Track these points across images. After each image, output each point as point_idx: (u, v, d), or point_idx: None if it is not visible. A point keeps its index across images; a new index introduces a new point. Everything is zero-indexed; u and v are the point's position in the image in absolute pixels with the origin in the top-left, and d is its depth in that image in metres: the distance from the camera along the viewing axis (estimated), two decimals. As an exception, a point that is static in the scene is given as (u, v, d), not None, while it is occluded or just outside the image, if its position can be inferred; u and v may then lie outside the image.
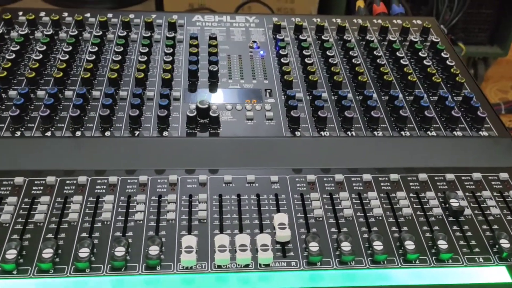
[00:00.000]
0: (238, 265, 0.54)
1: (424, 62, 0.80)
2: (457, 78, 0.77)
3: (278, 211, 0.60)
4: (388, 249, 0.56)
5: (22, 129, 0.65)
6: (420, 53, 0.82)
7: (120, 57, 0.76)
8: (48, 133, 0.65)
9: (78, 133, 0.65)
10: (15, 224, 0.56)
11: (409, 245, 0.56)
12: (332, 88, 0.76)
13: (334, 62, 0.79)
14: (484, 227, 0.60)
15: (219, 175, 0.64)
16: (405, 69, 0.78)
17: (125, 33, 0.82)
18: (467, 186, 0.65)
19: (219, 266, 0.54)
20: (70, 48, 0.77)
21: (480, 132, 0.70)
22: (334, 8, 1.73)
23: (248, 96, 0.74)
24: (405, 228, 0.59)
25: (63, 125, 0.66)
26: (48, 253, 0.52)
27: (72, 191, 0.60)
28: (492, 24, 1.73)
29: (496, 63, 1.79)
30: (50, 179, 0.61)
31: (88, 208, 0.59)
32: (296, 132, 0.68)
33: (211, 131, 0.67)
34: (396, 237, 0.58)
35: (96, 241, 0.55)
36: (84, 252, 0.53)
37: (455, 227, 0.60)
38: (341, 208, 0.61)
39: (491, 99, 1.45)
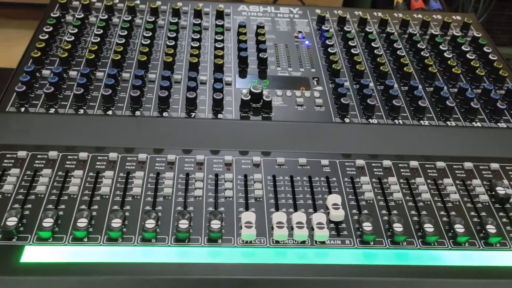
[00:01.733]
0: (295, 241, 0.57)
1: (467, 55, 0.82)
2: (500, 72, 0.79)
3: (330, 192, 0.63)
4: (438, 231, 0.58)
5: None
6: (462, 47, 0.84)
7: (173, 43, 0.79)
8: (109, 113, 0.67)
9: (138, 113, 0.68)
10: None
11: (459, 228, 0.58)
12: (378, 78, 0.78)
13: (379, 53, 0.81)
14: (530, 214, 0.62)
15: (272, 157, 0.66)
16: (448, 62, 0.80)
17: (176, 20, 0.85)
18: (511, 175, 0.67)
19: (277, 242, 0.56)
20: (126, 32, 0.80)
21: (524, 124, 0.72)
22: (359, 2, 1.75)
23: (297, 83, 0.76)
24: (453, 213, 0.61)
25: (95, 103, 0.69)
26: (117, 222, 0.55)
27: (134, 167, 0.63)
28: (515, 26, 1.74)
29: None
30: (113, 155, 0.64)
31: (150, 183, 0.61)
32: (345, 119, 0.70)
33: (263, 115, 0.70)
34: (445, 221, 0.60)
35: (160, 214, 0.58)
36: (150, 223, 0.55)
37: (501, 214, 0.62)
38: (390, 192, 0.63)
39: None
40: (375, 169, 0.66)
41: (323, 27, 0.88)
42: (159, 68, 0.76)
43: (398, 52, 0.82)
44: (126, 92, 0.71)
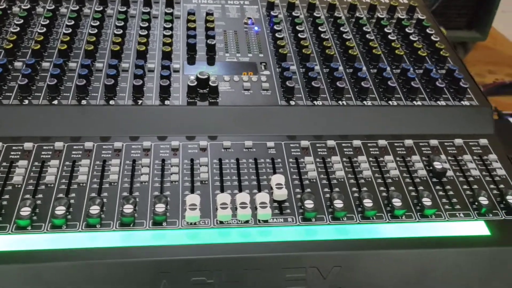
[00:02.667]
0: (239, 221, 0.58)
1: (410, 37, 0.84)
2: (441, 52, 0.82)
3: (274, 173, 0.64)
4: (377, 206, 0.61)
5: (30, 98, 0.68)
6: (406, 29, 0.86)
7: (121, 32, 0.79)
8: (55, 102, 0.68)
9: (84, 102, 0.68)
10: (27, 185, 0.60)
11: (396, 202, 0.61)
12: (324, 61, 0.80)
13: (326, 37, 0.83)
14: (465, 187, 0.65)
15: (219, 141, 0.68)
16: (392, 44, 0.82)
17: (124, 9, 0.85)
18: (449, 151, 0.70)
19: (221, 222, 0.58)
20: (73, 22, 0.80)
21: (462, 102, 0.75)
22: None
23: (244, 68, 0.77)
24: (392, 188, 0.64)
25: (69, 94, 0.69)
26: (61, 209, 0.56)
27: (80, 155, 0.64)
28: (471, 9, 1.78)
29: (474, 48, 1.84)
30: (59, 144, 0.64)
31: (96, 171, 0.62)
32: (290, 101, 0.72)
33: (210, 100, 0.71)
34: (384, 196, 0.63)
35: (105, 200, 0.59)
36: (94, 209, 0.56)
37: (438, 187, 0.64)
38: (333, 171, 0.65)
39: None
40: (319, 150, 0.68)
41: (271, 12, 0.89)
42: (107, 57, 0.76)
43: (344, 35, 0.83)
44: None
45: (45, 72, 0.72)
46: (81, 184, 0.60)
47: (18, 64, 0.72)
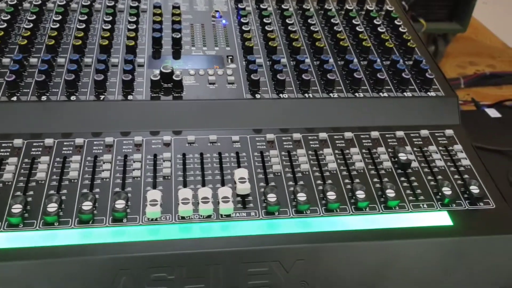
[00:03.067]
0: (201, 216, 0.58)
1: (378, 29, 0.84)
2: (408, 44, 0.81)
3: (239, 167, 0.64)
4: (341, 198, 0.60)
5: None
6: (374, 21, 0.86)
7: (84, 26, 0.78)
8: (14, 98, 0.66)
9: (44, 98, 0.67)
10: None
11: (360, 194, 0.61)
12: (291, 54, 0.79)
13: (293, 30, 0.82)
14: (429, 177, 0.65)
15: (183, 136, 0.67)
16: (360, 36, 0.82)
17: (89, 3, 0.84)
18: (415, 142, 0.70)
19: (183, 217, 0.57)
20: (34, 17, 0.78)
21: (429, 93, 0.75)
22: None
23: (210, 62, 0.76)
24: (356, 180, 0.64)
25: (28, 90, 0.68)
26: (17, 208, 0.55)
27: (40, 152, 0.62)
28: (451, 0, 1.79)
29: (455, 40, 1.85)
30: (17, 141, 0.63)
31: (55, 168, 0.61)
32: (256, 95, 0.71)
33: (174, 95, 0.70)
34: (348, 188, 0.62)
35: (64, 197, 0.58)
36: (52, 207, 0.55)
37: (403, 178, 0.64)
38: (298, 164, 0.65)
39: (450, 75, 1.51)
40: (284, 143, 0.68)
41: (239, 5, 0.88)
42: (69, 51, 0.75)
43: (312, 27, 0.83)
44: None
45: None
46: (39, 182, 0.59)
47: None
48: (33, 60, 0.72)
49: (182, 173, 0.62)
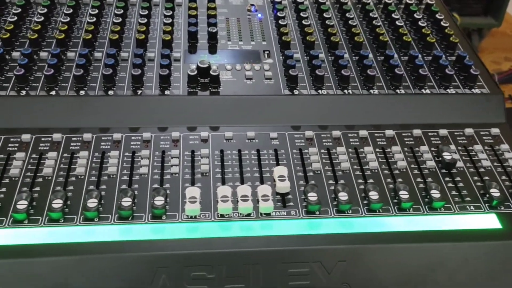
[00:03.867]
0: (240, 214, 0.56)
1: (419, 23, 0.81)
2: (451, 39, 0.79)
3: (277, 165, 0.62)
4: (383, 198, 0.59)
5: (27, 89, 0.66)
6: (415, 15, 0.83)
7: (120, 20, 0.77)
8: (53, 92, 0.66)
9: (82, 92, 0.66)
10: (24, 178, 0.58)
11: (403, 194, 0.59)
12: (329, 49, 0.77)
13: (331, 24, 0.80)
14: (476, 178, 0.62)
15: (220, 132, 0.66)
16: (400, 30, 0.80)
17: (124, -3, 0.83)
18: (459, 141, 0.67)
19: (222, 215, 0.56)
20: (71, 10, 0.78)
21: (473, 90, 0.72)
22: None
23: (247, 57, 0.75)
24: (399, 180, 0.62)
25: (67, 84, 0.67)
26: (57, 203, 0.54)
27: (78, 147, 0.62)
28: (487, -5, 1.74)
29: (490, 35, 1.80)
30: (57, 136, 0.63)
31: (94, 163, 0.61)
32: (294, 91, 0.70)
33: (211, 90, 0.69)
34: (391, 188, 0.61)
35: (103, 193, 0.57)
36: (92, 203, 0.55)
37: (447, 179, 0.62)
38: (338, 162, 0.63)
39: (485, 71, 1.46)
40: (324, 140, 0.66)
41: (275, -1, 0.87)
42: (106, 45, 0.74)
43: (350, 22, 0.81)
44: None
45: (43, 62, 0.70)
46: (79, 177, 0.59)
47: (43, 54, 0.72)
48: (70, 54, 0.72)
49: (220, 170, 0.61)
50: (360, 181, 0.61)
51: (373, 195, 0.58)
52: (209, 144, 0.64)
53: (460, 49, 0.79)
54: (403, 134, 0.68)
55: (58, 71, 0.68)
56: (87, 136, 0.63)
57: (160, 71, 0.68)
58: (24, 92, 0.66)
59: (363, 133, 0.67)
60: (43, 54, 0.71)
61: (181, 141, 0.64)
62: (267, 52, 0.77)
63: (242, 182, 0.60)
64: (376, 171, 0.63)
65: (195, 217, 0.56)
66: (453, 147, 0.66)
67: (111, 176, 0.59)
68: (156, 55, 0.73)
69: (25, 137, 0.62)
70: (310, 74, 0.72)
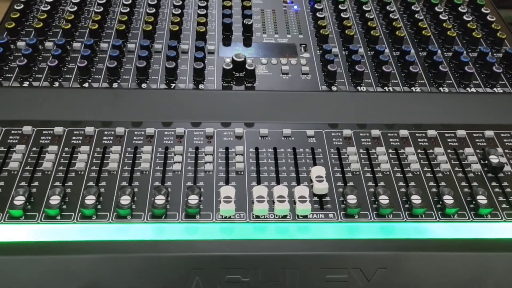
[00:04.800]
0: (276, 215, 0.54)
1: (464, 17, 0.78)
2: (498, 34, 0.75)
3: (314, 164, 0.60)
4: (426, 203, 0.56)
5: (60, 80, 0.65)
6: (459, 8, 0.80)
7: (154, 10, 0.75)
8: (86, 84, 0.65)
9: (115, 85, 0.65)
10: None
11: (448, 199, 0.56)
12: (368, 43, 0.74)
13: (371, 17, 0.77)
14: (525, 184, 0.59)
15: (255, 129, 0.64)
16: (444, 25, 0.76)
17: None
18: (506, 143, 0.64)
19: (257, 217, 0.54)
20: (104, 0, 0.77)
21: (522, 89, 0.69)
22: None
23: (283, 50, 0.73)
24: (443, 183, 0.59)
25: (100, 76, 0.66)
26: (90, 199, 0.53)
27: (111, 142, 0.61)
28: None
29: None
30: (89, 129, 0.62)
31: (127, 158, 0.59)
32: (332, 87, 0.67)
33: (246, 85, 0.67)
34: (434, 192, 0.58)
35: (136, 189, 0.56)
36: (125, 200, 0.54)
37: (494, 183, 0.59)
38: (378, 163, 0.61)
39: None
40: (362, 139, 0.63)
41: (312, -10, 0.84)
42: (139, 37, 0.73)
43: (390, 15, 0.78)
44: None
45: (75, 53, 0.69)
46: (112, 172, 0.58)
47: (48, 44, 0.70)
48: (103, 46, 0.70)
49: (255, 168, 0.59)
50: (401, 183, 0.59)
51: (416, 199, 0.56)
52: (243, 141, 0.62)
53: (508, 45, 0.75)
54: (446, 135, 0.64)
55: (91, 63, 0.67)
56: (119, 130, 0.62)
57: (194, 64, 0.66)
58: (57, 84, 0.64)
59: (404, 132, 0.64)
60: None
61: (214, 137, 0.63)
62: (304, 45, 0.74)
63: (278, 182, 0.58)
64: (418, 173, 0.60)
65: (230, 217, 0.54)
66: (500, 149, 0.63)
67: (144, 172, 0.58)
68: (190, 47, 0.72)
69: (58, 129, 0.61)
70: (348, 69, 0.70)
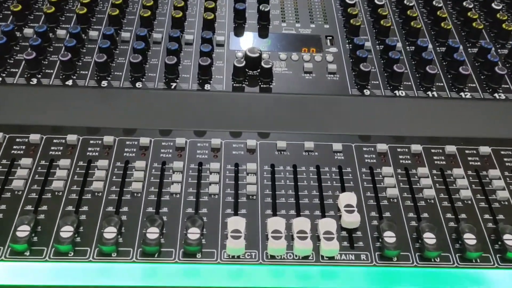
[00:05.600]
0: (296, 256, 0.44)
1: (521, 7, 0.66)
2: None
3: (342, 188, 0.49)
4: (483, 244, 0.45)
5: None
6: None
7: (153, -8, 0.64)
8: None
9: (104, 83, 0.54)
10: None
11: (509, 239, 0.45)
12: (407, 36, 0.63)
13: (410, 4, 0.65)
14: None
15: (271, 140, 0.53)
16: (497, 16, 0.64)
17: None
18: None
19: (273, 256, 0.44)
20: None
21: None
22: None
23: (305, 43, 0.61)
24: (500, 216, 0.48)
25: (86, 72, 0.56)
26: (67, 231, 0.43)
27: (97, 154, 0.50)
28: None
29: None
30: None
31: (115, 175, 0.49)
32: (364, 90, 0.56)
33: (262, 86, 0.56)
34: (490, 227, 0.47)
35: (124, 217, 0.45)
36: (110, 232, 0.43)
37: None
38: (420, 187, 0.50)
39: None
40: (400, 156, 0.52)
41: (340, -29, 0.72)
42: (135, 25, 0.62)
43: (434, 2, 0.65)
44: (91, 56, 0.57)
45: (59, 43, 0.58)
46: (96, 194, 0.47)
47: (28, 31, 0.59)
48: (92, 34, 0.59)
49: (270, 192, 0.49)
50: (448, 215, 0.48)
51: (469, 238, 0.45)
52: (256, 155, 0.52)
53: None
54: (502, 153, 0.53)
55: (76, 55, 0.56)
56: (108, 139, 0.51)
57: (200, 60, 0.55)
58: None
59: (451, 149, 0.53)
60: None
61: (222, 150, 0.52)
62: (330, 38, 0.62)
63: (298, 211, 0.47)
64: (470, 202, 0.49)
65: (238, 257, 0.44)
66: None
67: (136, 194, 0.48)
68: (195, 38, 0.60)
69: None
70: (384, 69, 0.58)
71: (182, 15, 0.61)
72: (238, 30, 0.62)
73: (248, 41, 0.61)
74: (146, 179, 0.49)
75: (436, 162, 0.52)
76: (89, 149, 0.51)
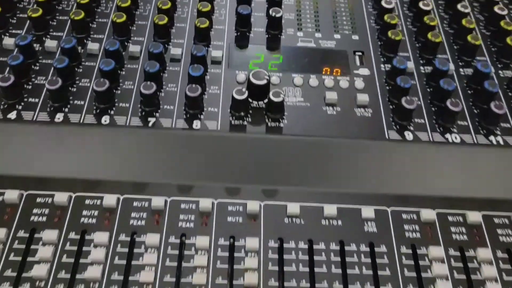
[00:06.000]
0: None
1: None
2: None
3: (375, 277, 0.36)
4: None
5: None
6: None
7: (132, -12, 0.49)
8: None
9: (60, 117, 0.41)
10: None
11: None
12: (461, 55, 0.48)
13: (466, 11, 0.50)
14: None
15: (279, 201, 0.40)
16: None
17: None
18: None
19: None
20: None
21: None
22: None
23: (328, 61, 0.47)
24: None
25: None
26: None
27: (41, 219, 0.37)
28: None
29: None
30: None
31: (66, 253, 0.36)
32: (405, 132, 0.42)
33: (269, 124, 0.42)
34: None
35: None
36: None
37: None
38: (481, 280, 0.36)
39: None
40: (454, 229, 0.39)
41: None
42: (106, 33, 0.47)
43: (496, 8, 0.50)
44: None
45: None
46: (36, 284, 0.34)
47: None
48: (49, 45, 0.45)
49: (277, 283, 0.35)
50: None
51: None
52: (259, 224, 0.38)
53: None
54: None
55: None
56: (58, 197, 0.38)
57: (187, 91, 0.41)
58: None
59: (523, 218, 0.39)
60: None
61: (213, 215, 0.39)
62: (360, 54, 0.48)
63: (314, 316, 0.34)
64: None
65: None
66: None
67: (92, 285, 0.35)
68: (184, 54, 0.46)
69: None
70: (431, 101, 0.44)
71: (167, 21, 0.47)
72: (241, 41, 0.48)
73: (252, 56, 0.47)
74: (108, 260, 0.36)
75: (501, 238, 0.39)
76: (34, 212, 0.38)
